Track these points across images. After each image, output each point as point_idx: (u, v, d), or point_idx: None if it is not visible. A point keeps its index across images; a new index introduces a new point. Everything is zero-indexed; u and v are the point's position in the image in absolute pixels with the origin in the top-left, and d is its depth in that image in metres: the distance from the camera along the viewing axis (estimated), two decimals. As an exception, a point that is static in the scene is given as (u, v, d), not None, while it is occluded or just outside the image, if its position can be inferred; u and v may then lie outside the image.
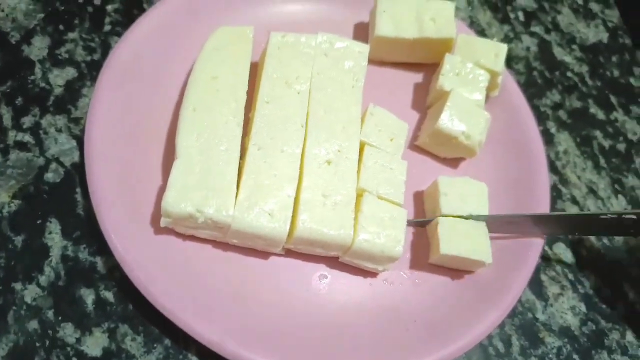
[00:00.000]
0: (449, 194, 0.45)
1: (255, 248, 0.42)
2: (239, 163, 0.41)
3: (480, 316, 0.42)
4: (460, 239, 0.43)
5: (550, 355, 0.46)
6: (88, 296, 0.40)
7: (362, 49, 0.48)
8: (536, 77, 0.61)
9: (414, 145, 0.51)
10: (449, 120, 0.47)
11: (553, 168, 0.55)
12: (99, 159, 0.41)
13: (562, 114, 0.59)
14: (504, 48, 0.51)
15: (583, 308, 0.49)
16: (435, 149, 0.50)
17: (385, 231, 0.41)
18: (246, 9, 0.52)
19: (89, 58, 0.49)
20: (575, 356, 0.46)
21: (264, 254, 0.43)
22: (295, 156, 0.42)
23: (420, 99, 0.53)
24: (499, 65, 0.51)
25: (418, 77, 0.54)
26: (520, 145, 0.51)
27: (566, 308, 0.48)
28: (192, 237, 0.42)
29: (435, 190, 0.46)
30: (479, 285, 0.45)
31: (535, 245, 0.46)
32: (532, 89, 0.59)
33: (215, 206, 0.39)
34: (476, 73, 0.50)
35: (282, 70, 0.46)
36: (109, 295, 0.41)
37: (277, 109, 0.44)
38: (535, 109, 0.58)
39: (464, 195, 0.45)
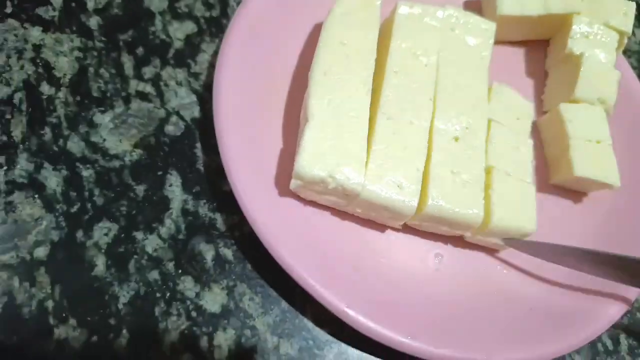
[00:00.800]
0: (573, 120, 0.46)
1: (375, 220, 0.41)
2: (368, 132, 0.41)
3: (600, 308, 0.41)
4: (591, 161, 0.44)
5: (659, 358, 0.45)
6: (208, 252, 0.40)
7: (489, 26, 0.47)
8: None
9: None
10: (586, 88, 0.46)
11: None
12: (228, 117, 0.40)
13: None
14: (632, 6, 0.50)
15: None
16: None
17: (519, 208, 0.40)
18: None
19: (207, 14, 0.49)
20: (682, 361, 0.45)
21: (382, 227, 0.42)
22: (424, 129, 0.41)
23: (537, 71, 0.53)
24: (629, 25, 0.50)
25: (532, 51, 0.53)
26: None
27: (675, 312, 0.47)
28: (313, 203, 0.41)
29: (557, 117, 0.46)
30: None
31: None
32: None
33: (347, 173, 0.38)
34: (605, 34, 0.49)
35: (411, 41, 0.44)
36: (228, 253, 0.40)
37: (405, 80, 0.43)
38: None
39: (587, 120, 0.46)
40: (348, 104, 0.40)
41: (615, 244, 0.44)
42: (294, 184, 0.38)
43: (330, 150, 0.38)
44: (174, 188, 0.41)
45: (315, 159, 0.38)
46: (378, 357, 0.40)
